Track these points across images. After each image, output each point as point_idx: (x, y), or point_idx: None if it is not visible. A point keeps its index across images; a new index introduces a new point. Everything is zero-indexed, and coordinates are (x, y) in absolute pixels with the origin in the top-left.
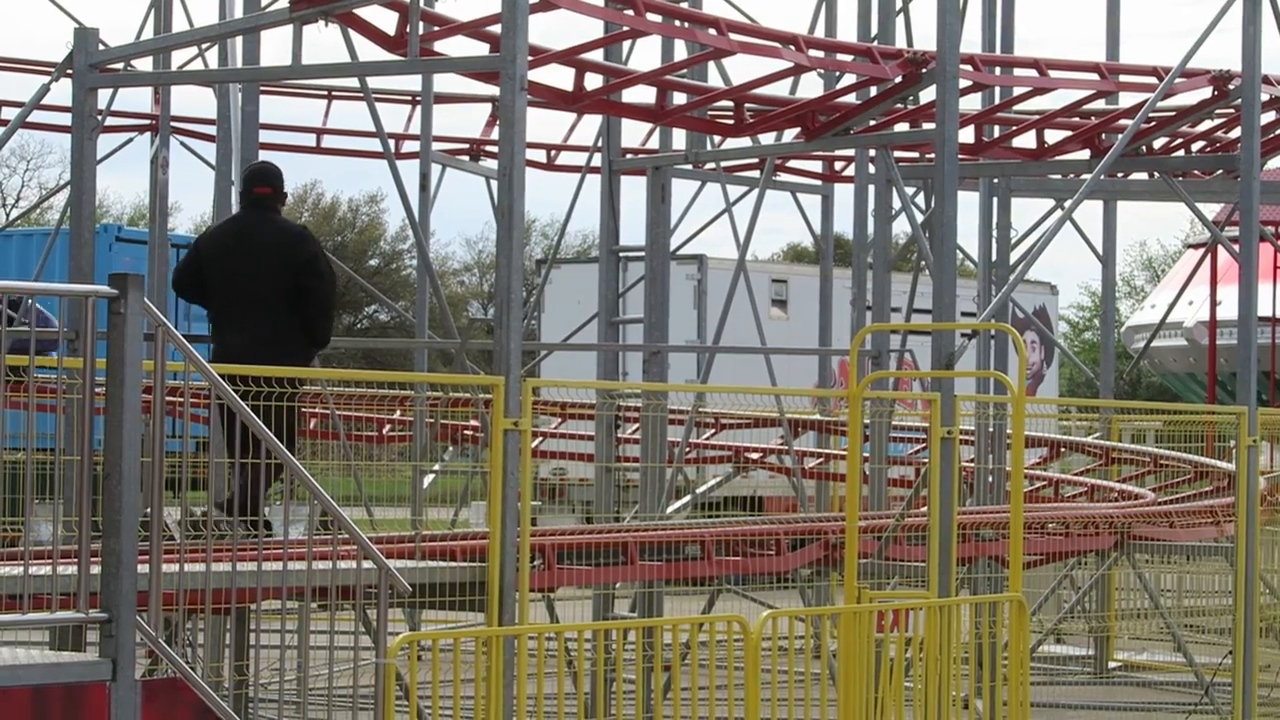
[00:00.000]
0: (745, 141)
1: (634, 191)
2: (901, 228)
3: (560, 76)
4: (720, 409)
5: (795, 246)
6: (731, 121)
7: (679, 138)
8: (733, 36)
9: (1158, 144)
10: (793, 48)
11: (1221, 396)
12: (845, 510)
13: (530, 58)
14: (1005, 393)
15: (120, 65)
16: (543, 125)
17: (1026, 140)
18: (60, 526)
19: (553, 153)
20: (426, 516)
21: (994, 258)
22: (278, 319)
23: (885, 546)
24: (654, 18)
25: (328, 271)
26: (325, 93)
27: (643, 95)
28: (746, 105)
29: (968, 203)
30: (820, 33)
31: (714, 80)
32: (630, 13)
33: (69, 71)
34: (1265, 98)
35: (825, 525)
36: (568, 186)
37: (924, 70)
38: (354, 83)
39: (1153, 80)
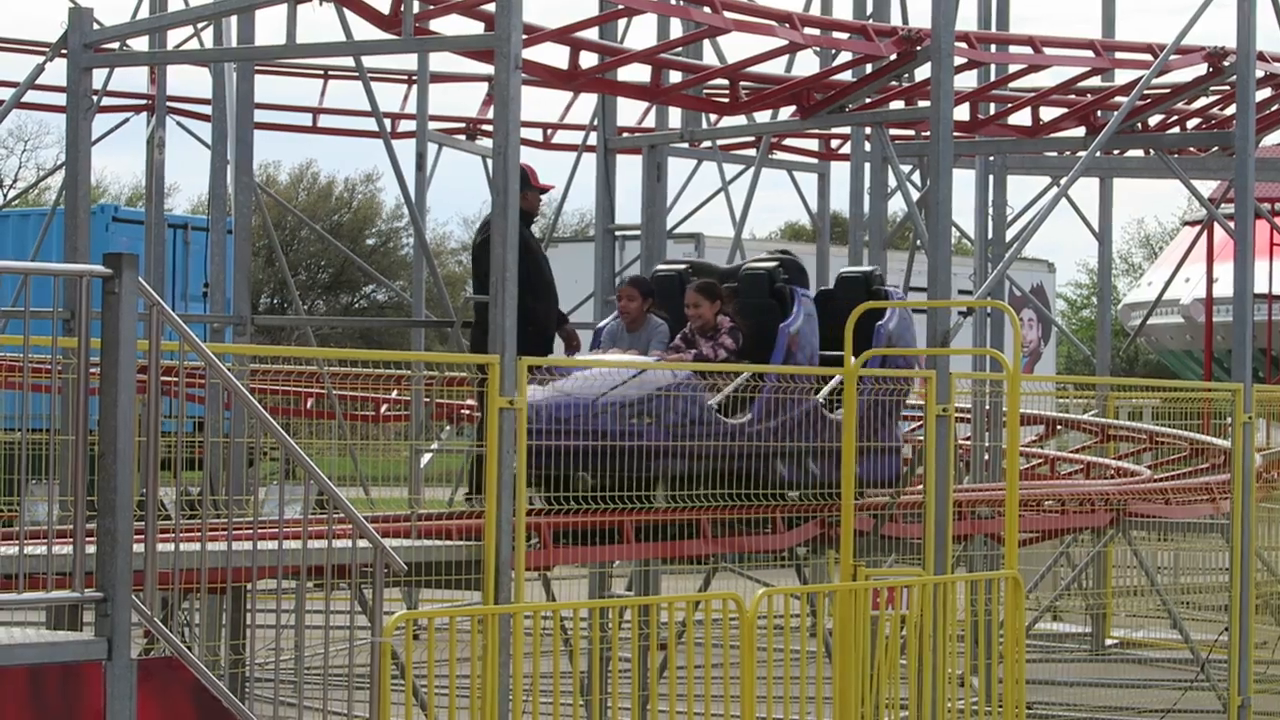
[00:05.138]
0: (741, 120)
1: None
2: (897, 205)
3: (555, 55)
4: None
5: (792, 225)
6: (727, 99)
7: (674, 116)
8: (728, 14)
9: (1153, 121)
10: (788, 25)
11: (1218, 373)
12: (841, 488)
13: (525, 36)
14: (1001, 370)
15: (116, 45)
16: (538, 104)
17: (1022, 118)
18: (56, 506)
19: (549, 131)
20: (424, 496)
21: (990, 235)
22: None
23: (881, 524)
24: None
25: (530, 261)
26: (321, 72)
27: (638, 74)
28: (742, 83)
29: (963, 180)
30: (816, 10)
31: (709, 58)
32: None
33: (64, 51)
34: (1260, 74)
35: (822, 503)
36: (564, 165)
37: (919, 48)
38: (350, 62)
39: (1148, 57)
